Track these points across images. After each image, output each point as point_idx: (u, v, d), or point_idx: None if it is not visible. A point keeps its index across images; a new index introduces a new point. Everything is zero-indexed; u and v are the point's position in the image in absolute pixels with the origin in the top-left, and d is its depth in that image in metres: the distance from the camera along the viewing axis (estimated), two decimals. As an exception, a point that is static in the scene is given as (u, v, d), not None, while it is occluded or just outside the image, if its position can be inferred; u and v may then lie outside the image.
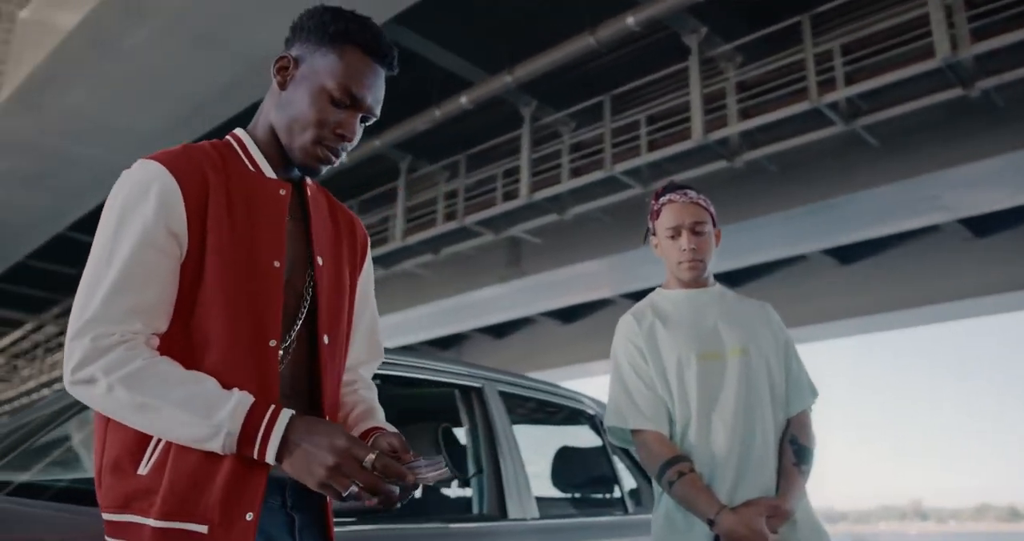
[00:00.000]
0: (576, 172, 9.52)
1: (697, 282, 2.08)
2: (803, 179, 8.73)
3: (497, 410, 2.62)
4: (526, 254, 11.26)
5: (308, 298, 1.30)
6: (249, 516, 1.12)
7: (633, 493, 3.25)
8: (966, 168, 7.80)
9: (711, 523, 1.84)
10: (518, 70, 9.10)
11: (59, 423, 2.02)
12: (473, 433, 2.56)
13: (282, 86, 1.31)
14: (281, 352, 1.23)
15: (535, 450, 3.13)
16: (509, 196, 10.05)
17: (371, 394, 1.44)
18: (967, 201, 8.80)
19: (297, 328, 1.28)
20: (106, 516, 1.16)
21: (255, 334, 1.20)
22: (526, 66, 9.05)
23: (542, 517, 2.57)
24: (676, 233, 2.04)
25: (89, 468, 2.21)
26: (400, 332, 13.47)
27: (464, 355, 15.31)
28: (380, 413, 1.39)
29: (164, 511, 1.10)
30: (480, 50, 9.55)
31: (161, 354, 1.17)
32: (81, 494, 1.57)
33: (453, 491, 3.31)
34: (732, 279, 11.14)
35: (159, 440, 1.15)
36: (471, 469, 2.54)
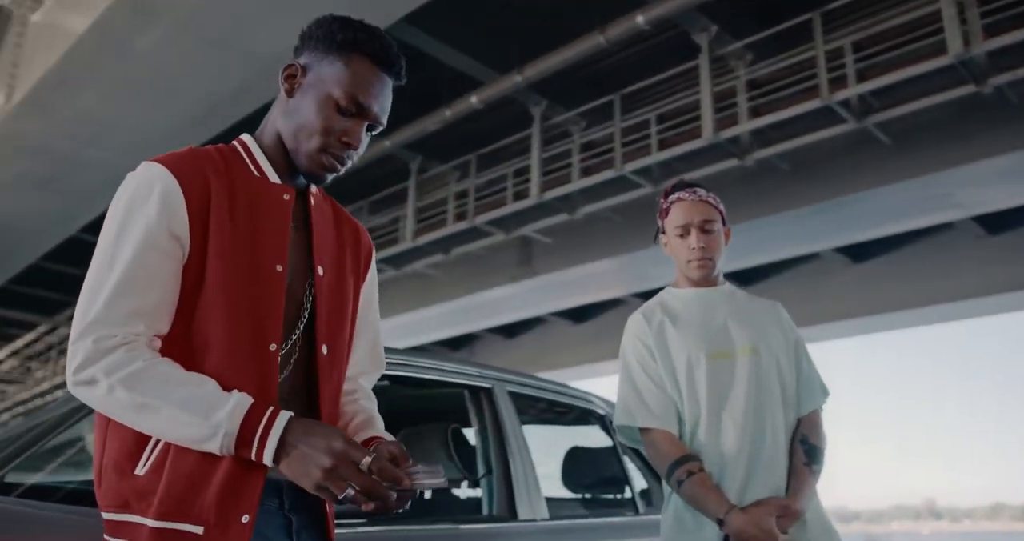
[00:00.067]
0: (586, 171, 9.51)
1: (707, 281, 2.07)
2: (814, 177, 8.69)
3: (507, 410, 2.61)
4: (537, 254, 11.26)
5: (308, 307, 1.30)
6: (245, 518, 1.13)
7: (644, 493, 3.23)
8: (979, 165, 7.76)
9: (720, 523, 1.83)
10: (528, 70, 9.09)
11: (70, 424, 2.03)
12: (483, 434, 2.56)
13: (289, 94, 1.32)
14: (280, 359, 1.23)
15: (545, 450, 3.12)
16: (519, 196, 10.05)
17: (371, 404, 1.43)
18: (980, 198, 8.75)
19: (296, 336, 1.28)
20: (105, 515, 1.16)
21: (255, 337, 1.20)
22: (536, 66, 9.04)
23: (552, 518, 2.56)
24: (685, 232, 2.03)
25: (99, 470, 2.20)
26: (411, 332, 13.49)
27: (475, 355, 15.32)
28: (380, 423, 1.39)
29: (161, 511, 1.11)
30: (490, 50, 9.55)
31: (162, 356, 1.18)
32: (92, 496, 1.57)
33: (463, 492, 3.31)
34: (743, 278, 11.12)
35: (158, 441, 1.15)
36: (481, 470, 2.54)
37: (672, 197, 2.08)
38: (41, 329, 17.37)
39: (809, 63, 7.85)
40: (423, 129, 10.19)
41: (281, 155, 1.33)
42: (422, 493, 1.17)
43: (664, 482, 1.96)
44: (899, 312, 11.67)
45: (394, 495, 1.11)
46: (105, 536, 1.16)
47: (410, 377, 2.36)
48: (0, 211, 11.36)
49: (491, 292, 11.69)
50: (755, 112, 8.11)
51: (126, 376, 1.12)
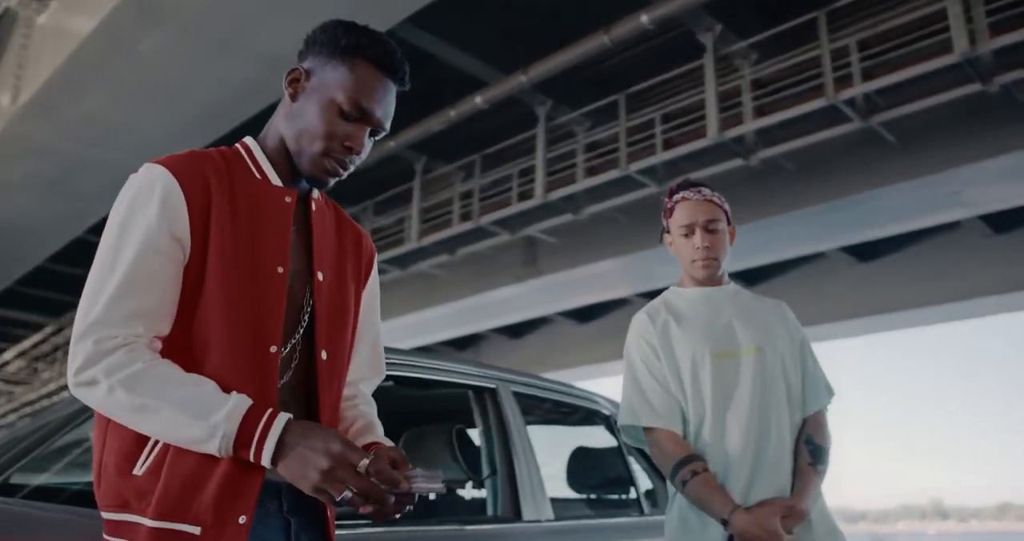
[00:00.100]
0: (591, 171, 9.49)
1: (711, 280, 2.07)
2: (820, 176, 8.67)
3: (511, 411, 2.61)
4: (542, 254, 11.25)
5: (307, 312, 1.30)
6: (242, 519, 1.13)
7: (649, 494, 3.23)
8: (985, 164, 7.73)
9: (725, 523, 1.82)
10: (532, 70, 9.08)
11: (75, 426, 2.03)
12: (487, 434, 2.55)
13: (293, 98, 1.33)
14: (280, 363, 1.24)
15: (550, 451, 3.12)
16: (524, 196, 10.04)
17: (371, 410, 1.43)
18: (986, 197, 8.72)
19: (295, 341, 1.28)
20: (105, 515, 1.17)
21: (256, 339, 1.20)
22: (540, 66, 9.03)
23: (557, 518, 2.56)
24: (690, 231, 2.03)
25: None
26: (416, 333, 13.50)
27: (481, 355, 15.32)
28: (379, 429, 1.39)
29: (159, 511, 1.11)
30: (494, 50, 9.55)
31: (163, 357, 1.18)
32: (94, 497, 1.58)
33: (467, 492, 3.31)
34: (749, 278, 11.10)
35: (157, 441, 1.16)
36: (485, 470, 2.53)
37: (677, 196, 2.08)
38: (48, 330, 17.42)
39: (814, 62, 7.83)
40: (428, 129, 10.19)
41: (284, 159, 1.33)
42: (423, 497, 1.17)
43: (668, 482, 1.95)
44: (905, 312, 11.64)
45: (392, 498, 1.11)
46: (104, 535, 1.16)
47: (414, 378, 2.35)
48: (7, 213, 11.40)
49: (496, 292, 11.69)
50: (760, 111, 8.08)
51: (126, 377, 1.13)
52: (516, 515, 2.42)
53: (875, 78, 7.39)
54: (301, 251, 1.32)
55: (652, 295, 2.17)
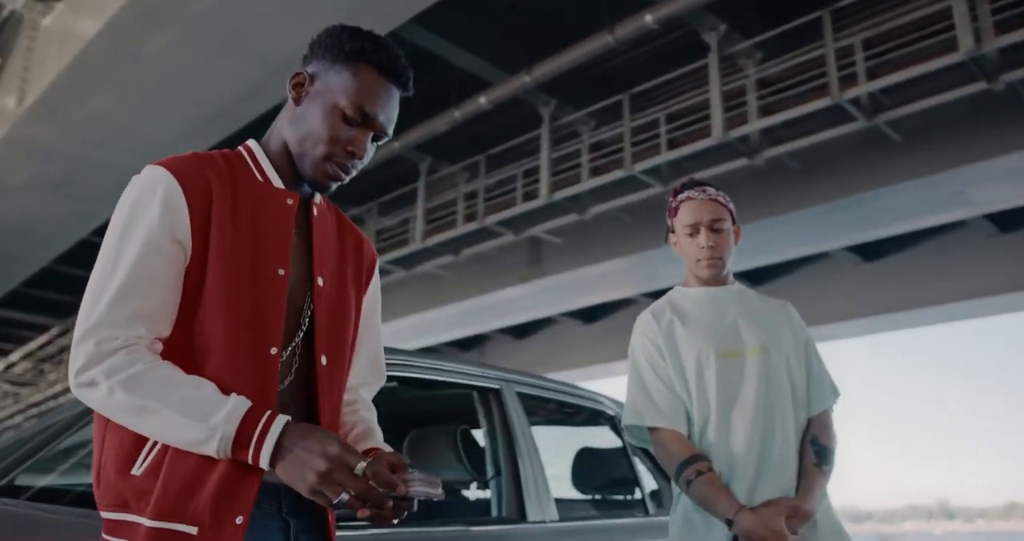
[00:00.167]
0: (596, 171, 9.49)
1: (716, 280, 2.06)
2: (825, 176, 8.66)
3: (515, 411, 2.61)
4: (547, 254, 11.25)
5: (307, 316, 1.30)
6: (239, 519, 1.13)
7: (654, 495, 3.22)
8: (991, 163, 7.71)
9: (730, 523, 1.82)
10: (536, 70, 9.08)
11: (80, 427, 2.03)
12: (491, 435, 2.55)
13: (297, 102, 1.33)
14: (280, 367, 1.24)
15: (554, 452, 3.11)
16: (529, 196, 10.04)
17: (371, 415, 1.43)
18: (992, 196, 8.69)
19: (295, 345, 1.28)
20: (104, 514, 1.17)
21: (256, 340, 1.21)
22: (544, 66, 9.03)
23: (562, 519, 2.56)
24: (694, 230, 2.03)
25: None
26: (421, 334, 13.50)
27: (486, 356, 15.32)
28: (379, 434, 1.39)
29: (157, 511, 1.12)
30: (498, 50, 9.55)
31: (164, 358, 1.18)
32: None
33: (472, 493, 3.30)
34: (754, 277, 11.08)
35: (156, 442, 1.16)
36: (490, 471, 2.53)
37: (681, 196, 2.07)
38: (54, 332, 17.45)
39: (819, 61, 7.82)
40: (432, 130, 10.19)
41: (286, 162, 1.33)
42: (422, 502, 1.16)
43: (673, 483, 1.95)
44: (910, 311, 11.61)
45: (390, 502, 1.11)
46: (103, 535, 1.17)
47: (419, 378, 2.35)
48: (12, 215, 11.42)
49: (501, 293, 11.69)
50: (765, 111, 8.07)
51: (126, 379, 1.13)
52: (521, 516, 2.42)
53: (880, 77, 7.37)
54: (302, 255, 1.32)
55: (657, 295, 2.17)
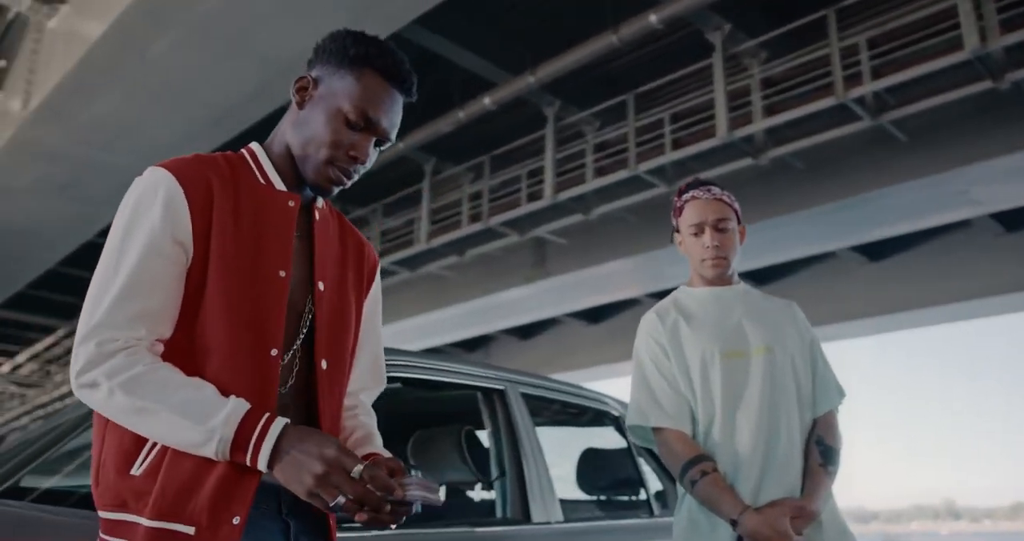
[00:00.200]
0: (600, 172, 9.48)
1: (721, 280, 2.06)
2: (830, 175, 8.64)
3: (520, 412, 2.60)
4: (551, 255, 11.24)
5: (308, 320, 1.31)
6: (236, 519, 1.13)
7: (659, 495, 3.22)
8: (996, 162, 7.69)
9: (734, 524, 1.81)
10: (541, 70, 9.07)
11: (85, 428, 2.03)
12: (496, 436, 2.55)
13: (300, 105, 1.33)
14: (281, 370, 1.24)
15: (559, 452, 3.11)
16: (534, 197, 10.03)
17: (371, 420, 1.44)
18: (998, 195, 8.67)
19: (296, 349, 1.29)
20: (102, 514, 1.18)
21: (256, 341, 1.21)
22: (549, 66, 9.02)
23: (566, 520, 2.55)
24: (699, 230, 2.02)
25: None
26: (426, 334, 13.50)
27: (491, 357, 15.32)
28: (378, 439, 1.39)
29: (156, 511, 1.12)
30: (502, 51, 9.54)
31: (165, 359, 1.19)
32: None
33: (477, 494, 3.30)
34: (759, 277, 11.06)
35: (155, 443, 1.16)
36: (494, 472, 2.53)
37: (686, 195, 2.07)
38: (60, 333, 17.50)
39: (824, 60, 7.80)
40: (436, 131, 10.19)
41: (289, 165, 1.34)
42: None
43: (677, 483, 1.94)
44: (916, 311, 11.58)
45: (388, 506, 1.11)
46: (101, 534, 1.17)
47: (423, 379, 2.35)
48: (18, 217, 11.45)
49: (506, 293, 11.68)
50: (769, 110, 8.06)
51: (126, 380, 1.14)
52: (525, 517, 2.41)
53: (884, 76, 7.36)
54: (304, 258, 1.32)
55: (662, 295, 2.16)
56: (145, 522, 1.12)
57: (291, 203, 1.31)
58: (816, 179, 8.73)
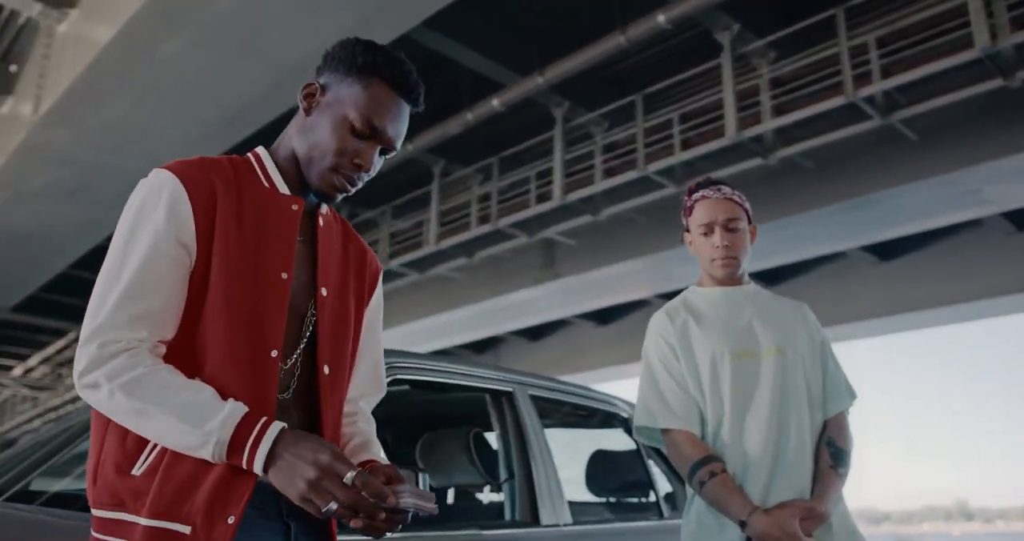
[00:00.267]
0: (609, 172, 9.46)
1: (731, 280, 2.04)
2: (840, 175, 8.61)
3: (528, 414, 2.60)
4: (560, 256, 11.23)
5: (310, 325, 1.31)
6: (231, 519, 1.14)
7: (668, 497, 3.21)
8: (1008, 160, 7.65)
9: (743, 525, 1.80)
10: (549, 71, 9.06)
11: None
12: (504, 438, 2.54)
13: (307, 112, 1.34)
14: (284, 375, 1.25)
15: (568, 454, 3.10)
16: (542, 198, 10.03)
17: (370, 427, 1.44)
18: (1009, 194, 8.62)
19: (298, 353, 1.29)
20: (98, 513, 1.18)
21: (257, 343, 1.21)
22: (557, 67, 9.01)
23: (575, 522, 2.55)
24: (709, 230, 2.01)
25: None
26: (435, 336, 13.51)
27: (500, 358, 15.31)
28: (377, 447, 1.39)
29: (153, 511, 1.13)
30: (511, 52, 9.54)
31: (167, 361, 1.20)
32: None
33: (485, 497, 3.30)
34: (769, 277, 11.03)
35: (156, 443, 1.17)
36: (503, 474, 2.52)
37: (696, 195, 2.06)
38: (71, 336, 17.57)
39: (833, 60, 7.77)
40: (445, 133, 10.20)
41: (294, 170, 1.34)
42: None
43: (687, 484, 1.93)
44: (928, 311, 11.52)
45: (383, 513, 1.11)
46: (94, 533, 1.18)
47: (432, 382, 2.35)
48: (29, 221, 11.51)
49: (515, 295, 11.68)
50: (778, 110, 8.03)
51: (126, 382, 1.15)
52: (534, 519, 2.41)
53: (894, 75, 7.32)
54: (306, 263, 1.33)
55: (671, 296, 2.15)
56: (143, 521, 1.13)
57: (294, 207, 1.31)
58: (826, 179, 8.70)
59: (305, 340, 1.30)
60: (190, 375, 1.19)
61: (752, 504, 1.81)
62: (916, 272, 11.23)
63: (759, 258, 9.06)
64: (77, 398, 16.98)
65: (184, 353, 1.21)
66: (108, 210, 10.54)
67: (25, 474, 2.01)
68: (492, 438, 2.67)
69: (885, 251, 11.18)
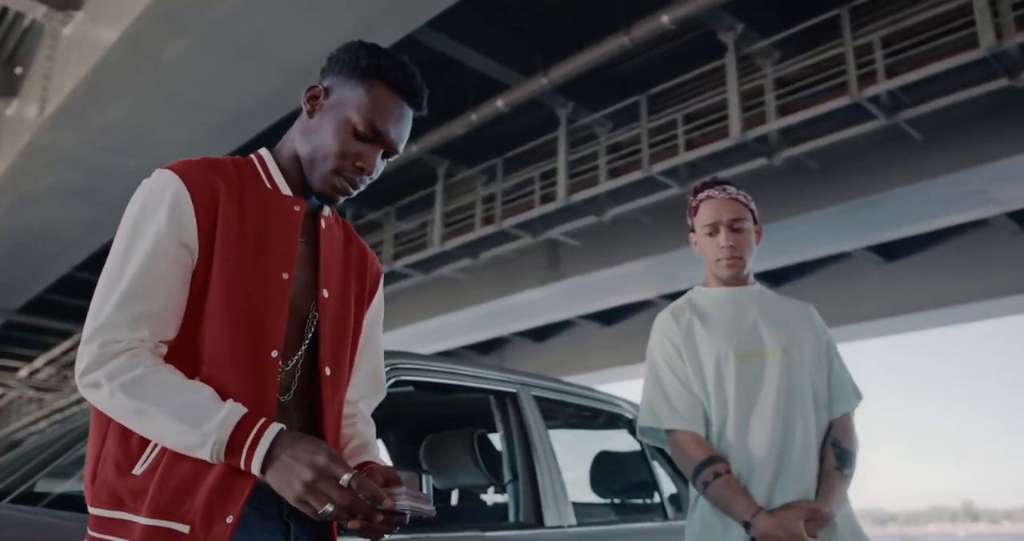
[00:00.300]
0: (614, 173, 9.46)
1: (736, 280, 2.04)
2: (844, 175, 8.59)
3: (532, 415, 2.59)
4: (565, 257, 11.23)
5: (311, 327, 1.31)
6: (229, 518, 1.14)
7: (673, 498, 3.20)
8: (1013, 160, 7.63)
9: (747, 526, 1.79)
10: (553, 72, 9.06)
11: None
12: (508, 439, 2.54)
13: (310, 114, 1.35)
14: (285, 376, 1.26)
15: (572, 455, 3.10)
16: (547, 199, 10.02)
17: (369, 429, 1.44)
18: (1015, 194, 8.59)
19: (300, 354, 1.29)
20: (96, 512, 1.18)
21: (257, 342, 1.21)
22: (561, 68, 9.01)
23: (580, 524, 2.54)
24: (714, 230, 2.01)
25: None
26: (440, 337, 13.51)
27: (505, 359, 15.32)
28: (375, 449, 1.40)
29: (152, 510, 1.13)
30: (515, 53, 9.54)
31: (168, 361, 1.20)
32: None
33: (489, 498, 3.29)
34: (774, 278, 11.02)
35: (156, 443, 1.17)
36: (507, 475, 2.52)
37: (701, 195, 2.06)
38: (77, 337, 17.56)
39: (837, 60, 7.75)
40: (449, 133, 10.20)
41: (296, 172, 1.35)
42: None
43: (691, 485, 1.93)
44: (934, 311, 11.51)
45: (379, 516, 1.11)
46: (90, 532, 1.17)
47: (436, 383, 2.34)
48: (34, 222, 11.54)
49: (520, 296, 11.68)
50: (783, 110, 8.02)
51: (127, 382, 1.15)
52: (538, 521, 2.40)
53: (899, 75, 7.30)
54: (308, 264, 1.33)
55: (676, 297, 2.15)
56: (142, 520, 1.13)
57: (296, 208, 1.31)
58: (830, 179, 8.69)
59: (307, 341, 1.30)
60: (191, 375, 1.19)
61: (756, 505, 1.81)
62: (921, 272, 11.21)
63: (763, 258, 9.06)
64: (82, 400, 16.99)
65: (185, 353, 1.21)
66: (113, 211, 10.49)
67: (30, 475, 2.02)
68: (496, 439, 2.66)
69: (890, 251, 11.16)
